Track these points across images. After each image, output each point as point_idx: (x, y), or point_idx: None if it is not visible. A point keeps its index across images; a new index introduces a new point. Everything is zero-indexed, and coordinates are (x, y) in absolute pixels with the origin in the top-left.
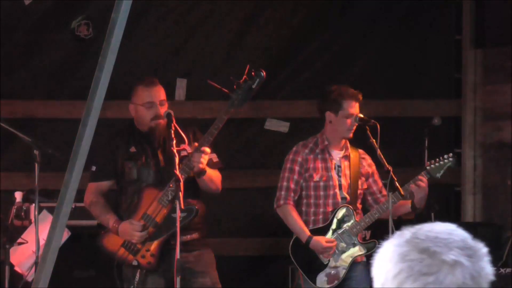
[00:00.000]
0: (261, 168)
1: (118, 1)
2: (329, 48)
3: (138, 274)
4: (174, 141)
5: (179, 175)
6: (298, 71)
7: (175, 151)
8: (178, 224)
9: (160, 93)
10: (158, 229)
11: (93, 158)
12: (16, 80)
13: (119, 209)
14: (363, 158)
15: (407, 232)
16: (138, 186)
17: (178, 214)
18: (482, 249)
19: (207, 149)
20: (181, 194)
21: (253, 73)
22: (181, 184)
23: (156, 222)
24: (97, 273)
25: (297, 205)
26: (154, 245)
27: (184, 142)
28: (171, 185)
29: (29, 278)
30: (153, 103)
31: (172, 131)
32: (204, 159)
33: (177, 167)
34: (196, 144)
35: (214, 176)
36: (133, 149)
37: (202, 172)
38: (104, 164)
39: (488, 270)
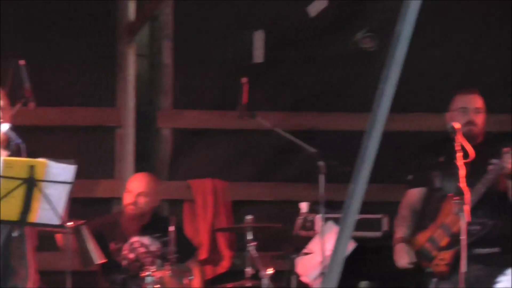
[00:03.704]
0: None
1: (403, 14)
2: None
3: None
4: (458, 154)
5: (464, 188)
6: None
7: (458, 164)
8: (464, 237)
9: (475, 100)
10: (455, 239)
11: (405, 169)
12: (297, 93)
13: (423, 216)
14: None
15: None
16: (440, 195)
17: (464, 227)
18: None
19: None
20: (466, 207)
21: None
22: (466, 197)
23: (453, 232)
24: (382, 285)
25: None
26: (449, 255)
27: (468, 157)
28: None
29: None
30: (466, 108)
31: (456, 144)
32: None
33: (461, 180)
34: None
35: None
36: (441, 159)
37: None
38: (415, 173)
39: None
